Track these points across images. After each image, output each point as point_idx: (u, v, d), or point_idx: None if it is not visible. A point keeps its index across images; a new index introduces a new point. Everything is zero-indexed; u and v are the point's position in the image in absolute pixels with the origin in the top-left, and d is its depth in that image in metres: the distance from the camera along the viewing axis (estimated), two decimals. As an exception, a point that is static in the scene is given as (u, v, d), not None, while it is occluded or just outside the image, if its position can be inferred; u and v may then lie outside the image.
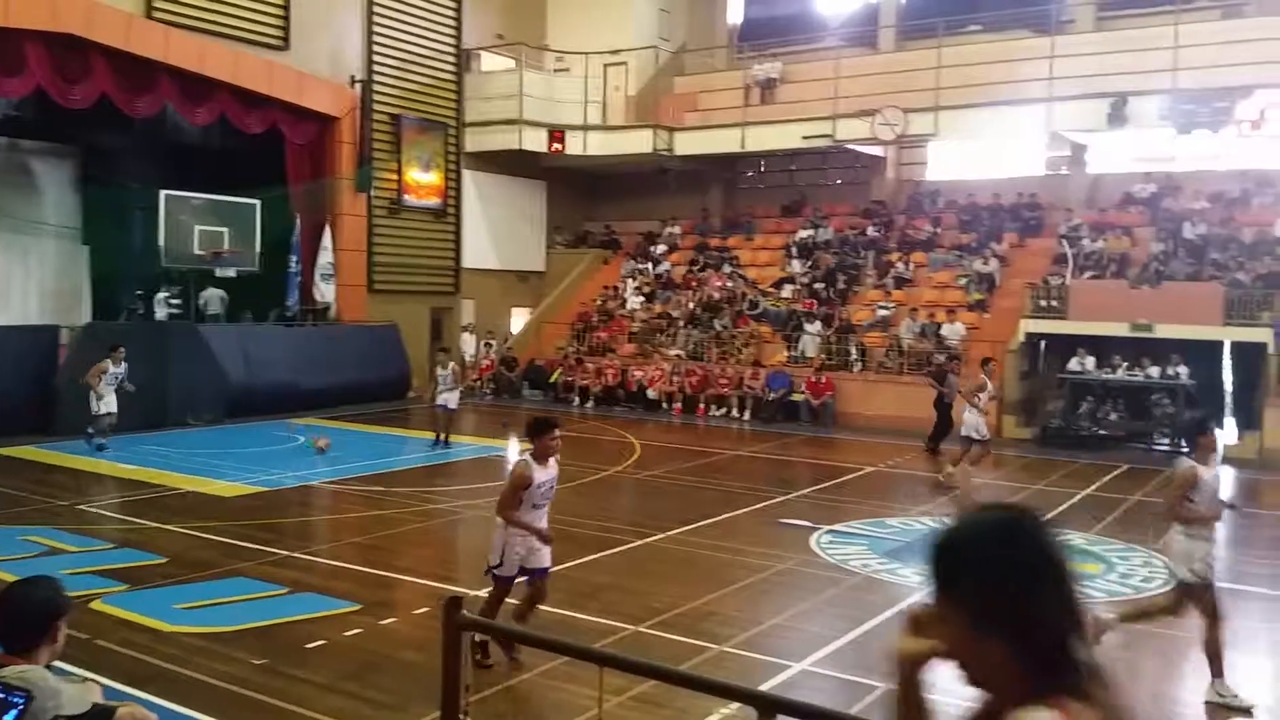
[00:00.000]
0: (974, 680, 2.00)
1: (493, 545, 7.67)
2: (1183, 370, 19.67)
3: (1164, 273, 21.33)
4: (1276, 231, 21.77)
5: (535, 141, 27.66)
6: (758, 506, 13.69)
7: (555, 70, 29.18)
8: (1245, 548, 13.28)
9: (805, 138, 26.16)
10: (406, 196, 26.38)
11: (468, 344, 26.94)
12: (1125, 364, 20.42)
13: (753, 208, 30.50)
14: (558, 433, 7.64)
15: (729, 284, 26.69)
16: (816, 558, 11.21)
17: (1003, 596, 1.90)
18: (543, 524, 7.69)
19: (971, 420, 15.71)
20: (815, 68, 26.98)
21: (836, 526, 12.57)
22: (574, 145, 27.92)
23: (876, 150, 27.58)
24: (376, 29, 25.39)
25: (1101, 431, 20.08)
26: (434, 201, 27.12)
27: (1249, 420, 19.45)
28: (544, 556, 7.76)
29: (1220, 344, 20.30)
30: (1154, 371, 20.03)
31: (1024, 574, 1.91)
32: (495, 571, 7.64)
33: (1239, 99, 20.90)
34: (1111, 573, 10.90)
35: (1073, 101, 22.79)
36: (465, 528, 12.64)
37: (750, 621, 8.96)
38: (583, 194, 31.70)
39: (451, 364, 18.68)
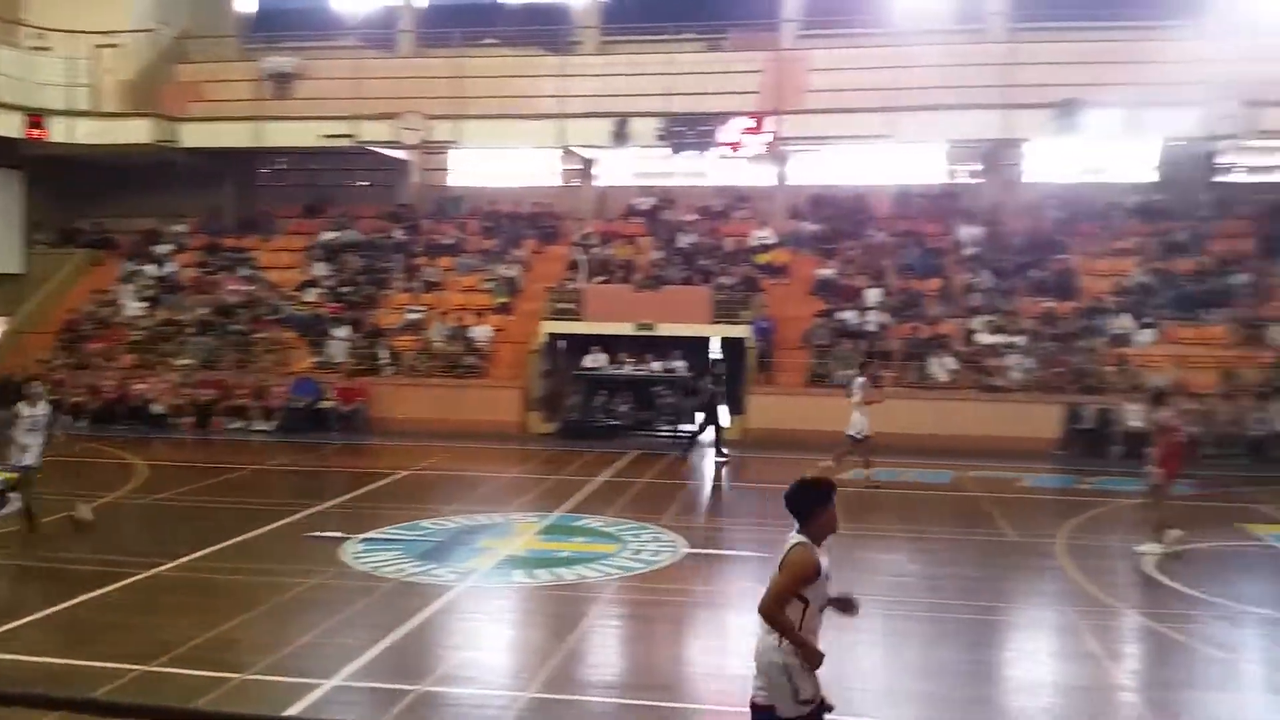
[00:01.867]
0: None
1: (763, 669, 5.18)
2: (680, 364, 21.85)
3: (663, 277, 23.55)
4: (751, 242, 24.94)
5: (9, 126, 24.08)
6: (284, 522, 13.02)
7: (34, 48, 25.60)
8: (735, 517, 15.09)
9: (325, 136, 25.37)
10: None
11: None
12: (633, 360, 22.25)
13: (273, 207, 29.03)
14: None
15: (247, 287, 25.16)
16: (348, 569, 10.90)
17: None
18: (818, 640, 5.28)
19: (858, 419, 16.12)
20: (335, 65, 26.28)
21: (369, 534, 12.32)
22: (59, 132, 24.68)
23: (401, 154, 27.52)
24: None
25: (614, 422, 21.76)
26: None
27: (737, 406, 22.08)
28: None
29: (709, 339, 22.84)
30: (657, 366, 22.03)
31: None
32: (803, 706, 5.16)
33: (720, 124, 23.63)
34: (625, 550, 11.77)
35: (581, 119, 24.37)
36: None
37: (278, 644, 8.49)
38: (71, 187, 28.03)
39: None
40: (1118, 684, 8.09)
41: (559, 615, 9.59)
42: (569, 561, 11.30)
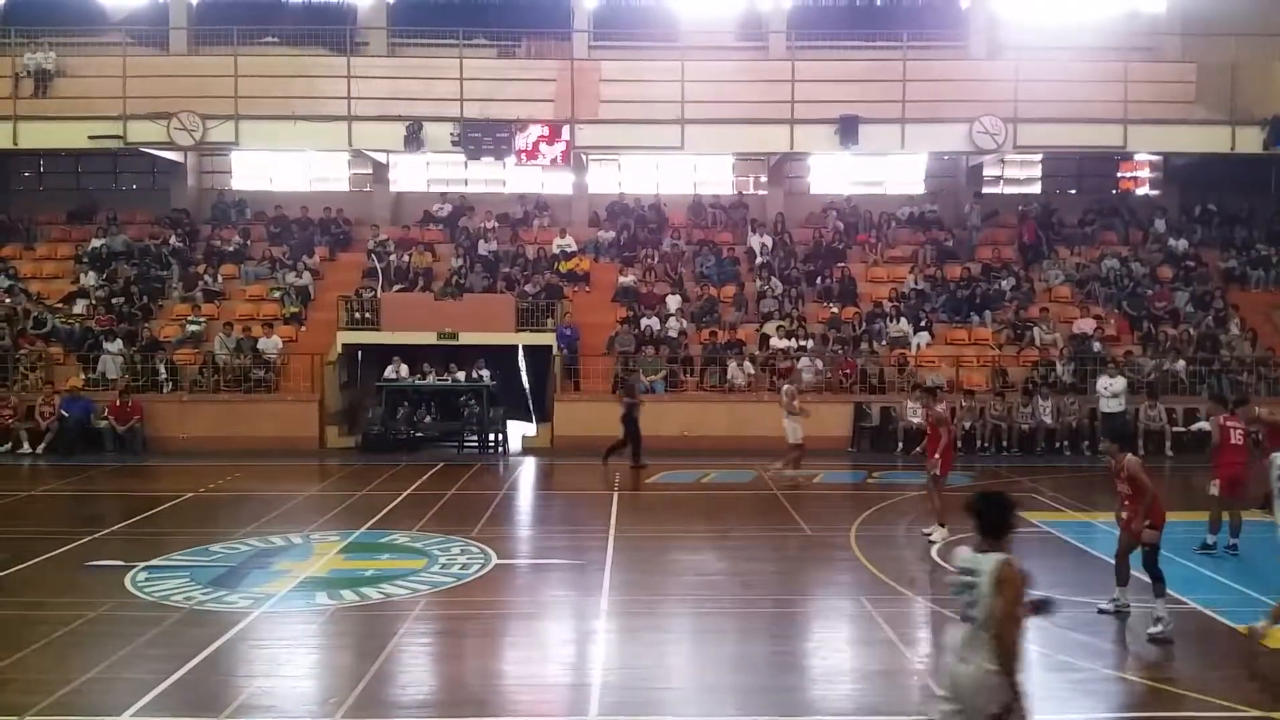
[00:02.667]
0: None
1: (992, 690, 4.82)
2: (485, 373, 21.60)
3: (464, 285, 23.23)
4: (553, 249, 24.98)
5: None
6: (59, 551, 12.00)
7: None
8: (545, 525, 15.04)
9: (92, 138, 23.62)
10: None
11: None
12: (435, 370, 21.81)
13: (33, 213, 26.76)
14: None
15: (7, 299, 23.06)
16: (134, 598, 10.16)
17: None
18: None
19: (789, 426, 17.05)
20: (101, 63, 24.48)
21: (154, 561, 11.53)
22: None
23: (175, 156, 25.97)
24: None
25: (418, 434, 21.27)
26: None
27: (543, 414, 22.04)
28: None
29: (515, 348, 22.70)
30: (461, 375, 21.69)
31: None
32: None
33: (516, 131, 23.54)
34: (434, 565, 11.52)
35: (372, 122, 23.70)
36: None
37: (58, 682, 7.81)
38: None
39: None
40: (912, 668, 8.55)
41: (365, 636, 9.27)
42: (374, 580, 10.94)
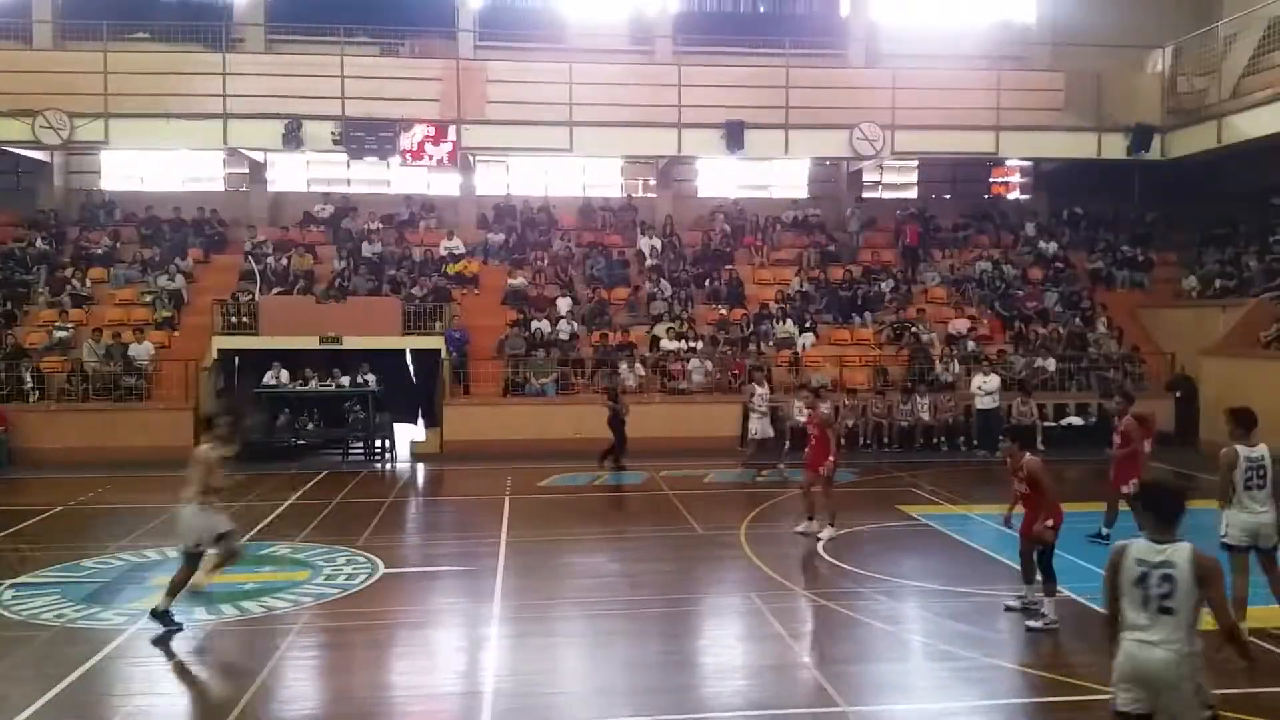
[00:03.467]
0: None
1: (1188, 684, 5.19)
2: (371, 378, 21.14)
3: (348, 288, 22.72)
4: (441, 251, 24.64)
5: None
6: (-91, 573, 11.31)
7: None
8: (434, 532, 14.82)
9: (-52, 135, 22.38)
10: None
11: None
12: (318, 375, 21.26)
13: (-121, 214, 25.16)
14: None
15: None
16: (1, 617, 9.66)
17: None
18: None
19: (755, 424, 17.68)
20: (-43, 56, 23.22)
21: (22, 579, 10.96)
22: None
23: (41, 155, 24.75)
24: None
25: (300, 442, 20.70)
26: None
27: (432, 419, 21.69)
28: None
29: (403, 352, 22.28)
30: (345, 381, 21.18)
31: None
32: None
33: (401, 130, 23.15)
34: (318, 576, 11.24)
35: (248, 120, 22.96)
36: None
37: (-89, 713, 7.36)
38: None
39: None
40: (800, 662, 8.71)
41: (247, 651, 8.98)
42: (256, 593, 10.61)
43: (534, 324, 22.50)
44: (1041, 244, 26.56)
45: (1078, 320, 24.05)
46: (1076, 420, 21.57)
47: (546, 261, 24.83)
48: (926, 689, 8.20)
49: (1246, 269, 23.43)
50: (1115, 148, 24.40)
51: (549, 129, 23.35)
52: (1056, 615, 9.18)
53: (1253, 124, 21.73)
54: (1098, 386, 21.54)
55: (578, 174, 27.85)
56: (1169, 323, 23.90)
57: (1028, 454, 9.40)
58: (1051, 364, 22.34)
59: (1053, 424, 20.96)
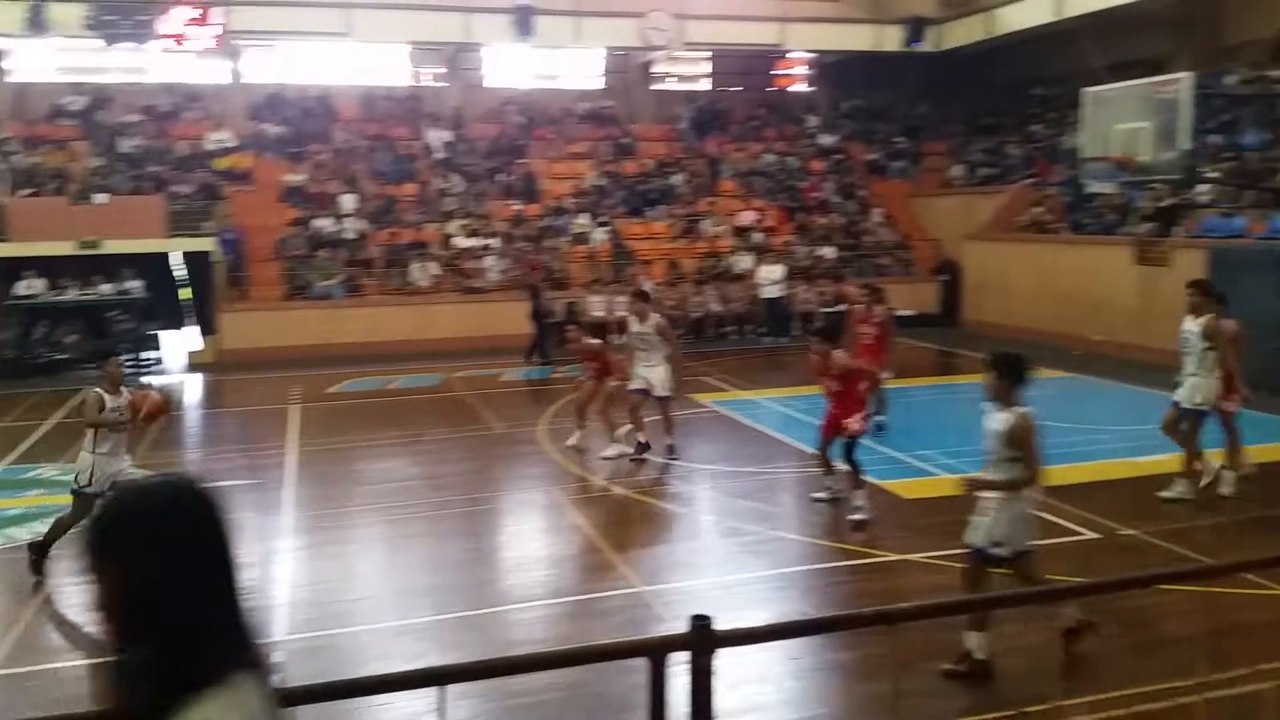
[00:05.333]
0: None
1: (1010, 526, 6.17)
2: (136, 284, 19.71)
3: (105, 187, 20.94)
4: (207, 145, 23.01)
5: None
6: None
7: None
8: (216, 445, 14.16)
9: None
10: None
11: None
12: (78, 283, 19.66)
13: None
14: None
15: None
16: None
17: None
18: None
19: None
20: None
21: None
22: None
23: None
24: None
25: (61, 356, 19.17)
26: None
27: (207, 326, 20.52)
28: None
29: (168, 255, 20.83)
30: (107, 288, 19.67)
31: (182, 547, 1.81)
32: None
33: (160, 13, 21.23)
34: (95, 497, 10.56)
35: (-19, 0, 20.59)
36: None
37: None
38: None
39: None
40: (600, 548, 8.93)
41: (17, 580, 8.39)
42: (22, 519, 9.89)
43: (316, 222, 21.51)
44: (822, 137, 27.41)
45: (854, 210, 25.13)
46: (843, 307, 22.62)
47: (328, 155, 23.64)
48: (717, 563, 8.59)
49: (1008, 157, 25.02)
50: (893, 40, 25.27)
51: (324, 10, 22.07)
52: (867, 504, 9.20)
53: (1018, 16, 22.95)
54: (871, 274, 22.66)
55: (358, 60, 26.43)
56: (937, 210, 25.31)
57: (837, 351, 9.33)
58: (831, 252, 23.32)
59: (829, 309, 21.91)
